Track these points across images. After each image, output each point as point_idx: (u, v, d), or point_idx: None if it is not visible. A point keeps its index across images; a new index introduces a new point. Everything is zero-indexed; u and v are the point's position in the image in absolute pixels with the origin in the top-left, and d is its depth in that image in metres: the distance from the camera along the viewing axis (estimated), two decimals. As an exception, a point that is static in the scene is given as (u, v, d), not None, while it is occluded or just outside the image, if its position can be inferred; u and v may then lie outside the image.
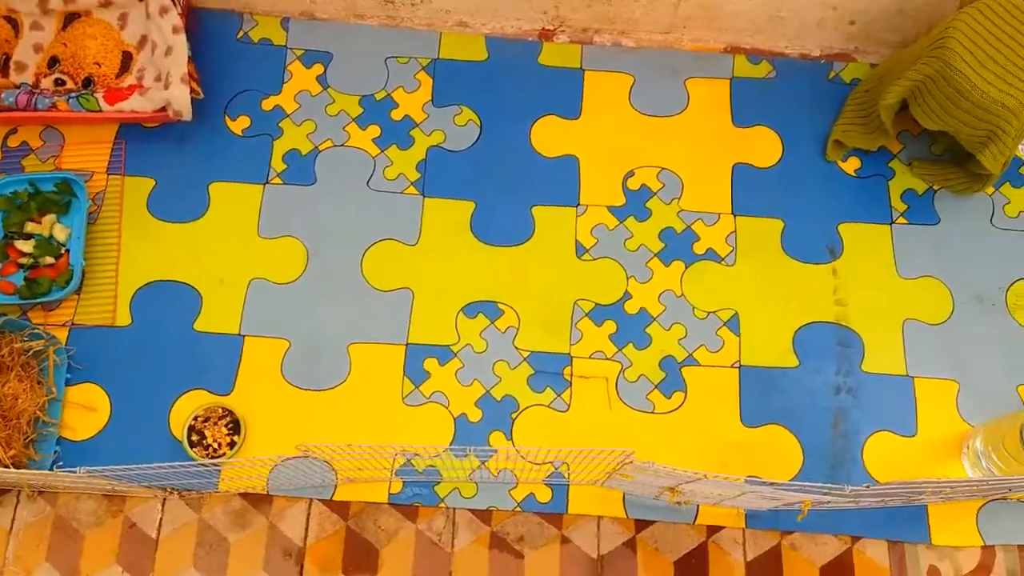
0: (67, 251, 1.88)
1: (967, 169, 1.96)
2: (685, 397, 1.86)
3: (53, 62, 2.00)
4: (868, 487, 1.38)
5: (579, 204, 1.99)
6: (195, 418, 1.77)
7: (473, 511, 1.77)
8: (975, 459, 1.79)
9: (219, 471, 1.70)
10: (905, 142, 2.06)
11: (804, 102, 2.09)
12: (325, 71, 2.08)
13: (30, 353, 1.76)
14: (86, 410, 1.79)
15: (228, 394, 1.82)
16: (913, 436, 1.84)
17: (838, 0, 2.00)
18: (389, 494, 1.76)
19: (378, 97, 2.06)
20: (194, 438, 1.75)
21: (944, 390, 1.88)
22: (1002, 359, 1.90)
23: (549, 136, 2.04)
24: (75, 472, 1.40)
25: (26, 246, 1.86)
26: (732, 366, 1.88)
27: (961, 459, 1.83)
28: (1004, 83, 1.72)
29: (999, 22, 1.74)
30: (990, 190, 2.03)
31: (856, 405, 1.86)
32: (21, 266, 1.86)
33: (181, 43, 1.93)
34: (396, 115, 2.05)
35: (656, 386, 1.87)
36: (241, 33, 2.11)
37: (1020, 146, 1.98)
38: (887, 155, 2.05)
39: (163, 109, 1.91)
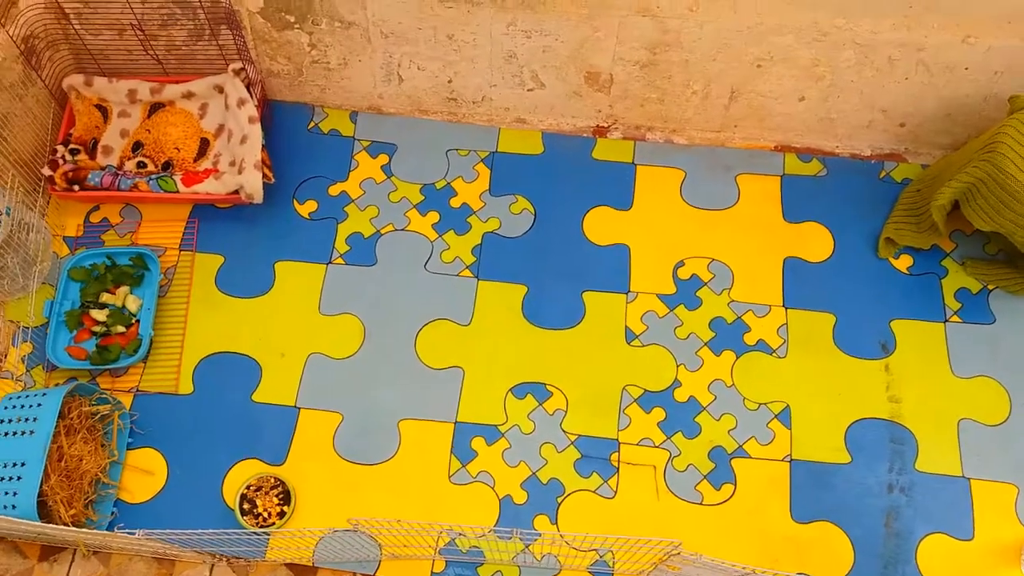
0: (137, 321, 1.97)
1: (1022, 269, 1.95)
2: (734, 489, 1.84)
3: (137, 146, 2.14)
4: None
5: (629, 291, 2.03)
6: (247, 487, 1.80)
7: (515, 595, 1.76)
8: (1036, 567, 1.73)
9: (267, 540, 1.72)
10: (958, 241, 2.07)
11: (855, 200, 2.12)
12: (390, 161, 2.19)
13: (97, 417, 1.83)
14: (144, 474, 1.84)
15: (281, 464, 1.86)
16: (970, 540, 1.79)
17: (887, 104, 2.05)
18: (432, 573, 1.76)
19: (438, 186, 2.15)
20: (245, 506, 1.78)
21: (1003, 494, 1.82)
22: (1065, 464, 1.85)
23: (601, 226, 2.10)
24: (134, 534, 1.44)
25: (100, 315, 1.95)
26: (783, 460, 1.86)
27: (1021, 567, 1.76)
28: (1056, 186, 1.72)
29: (1050, 127, 1.76)
30: (1047, 290, 2.02)
31: (909, 505, 1.82)
32: (94, 334, 1.95)
33: (256, 132, 2.05)
34: (455, 203, 2.13)
35: (705, 476, 1.85)
36: (312, 124, 2.24)
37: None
38: (940, 254, 2.06)
39: (236, 192, 2.02)
